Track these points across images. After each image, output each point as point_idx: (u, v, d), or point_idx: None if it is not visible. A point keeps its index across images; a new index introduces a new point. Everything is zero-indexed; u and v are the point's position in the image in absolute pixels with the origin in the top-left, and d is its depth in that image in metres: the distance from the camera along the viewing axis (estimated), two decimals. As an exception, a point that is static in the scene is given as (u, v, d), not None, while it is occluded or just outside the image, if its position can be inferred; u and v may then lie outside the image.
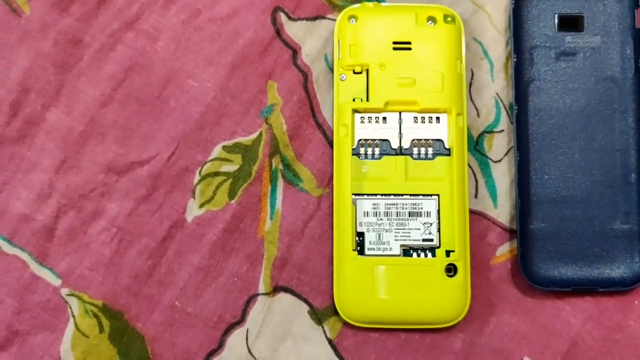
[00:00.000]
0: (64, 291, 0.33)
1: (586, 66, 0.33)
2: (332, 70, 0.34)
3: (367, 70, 0.33)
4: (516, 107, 0.32)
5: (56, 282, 0.33)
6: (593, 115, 0.32)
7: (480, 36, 0.34)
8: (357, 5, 0.33)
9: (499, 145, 0.33)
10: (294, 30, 0.34)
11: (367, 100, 0.32)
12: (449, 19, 0.33)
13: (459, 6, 0.34)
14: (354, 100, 0.33)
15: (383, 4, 0.33)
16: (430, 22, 0.33)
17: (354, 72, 0.33)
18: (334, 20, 0.34)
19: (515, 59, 0.33)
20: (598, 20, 0.33)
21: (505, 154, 0.33)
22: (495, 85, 0.34)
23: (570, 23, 0.33)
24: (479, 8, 0.34)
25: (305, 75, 0.34)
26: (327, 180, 0.33)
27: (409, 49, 0.33)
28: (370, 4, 0.33)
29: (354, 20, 0.33)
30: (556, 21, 0.33)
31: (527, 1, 0.33)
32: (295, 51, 0.34)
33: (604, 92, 0.32)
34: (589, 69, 0.33)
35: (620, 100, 0.32)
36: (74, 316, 0.33)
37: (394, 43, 0.33)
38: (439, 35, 0.32)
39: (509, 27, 0.33)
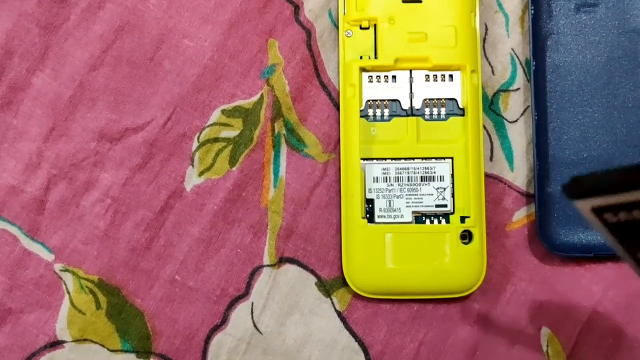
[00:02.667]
0: (58, 266, 0.32)
1: (608, 17, 0.32)
2: (337, 26, 0.33)
3: (375, 25, 0.32)
4: (534, 64, 0.31)
5: (49, 257, 0.32)
6: (616, 70, 0.31)
7: None
8: None
9: (515, 104, 0.32)
10: None
11: (376, 57, 0.32)
12: None
13: None
14: (361, 57, 0.32)
15: None
16: None
17: (361, 28, 0.32)
18: None
19: (532, 11, 0.32)
20: None
21: (522, 114, 0.32)
22: (511, 40, 0.33)
23: None
24: None
25: (308, 32, 0.34)
26: (333, 144, 0.33)
27: (420, 1, 0.32)
28: None
29: None
30: None
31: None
32: (297, 6, 0.34)
33: (628, 45, 0.31)
34: (612, 21, 0.32)
35: None
36: (69, 293, 0.32)
37: None
38: None
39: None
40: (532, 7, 0.32)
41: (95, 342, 0.32)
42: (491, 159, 0.33)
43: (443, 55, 0.32)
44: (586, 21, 0.32)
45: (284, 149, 0.33)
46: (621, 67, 0.31)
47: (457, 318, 0.32)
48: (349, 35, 0.32)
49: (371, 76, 0.32)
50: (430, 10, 0.32)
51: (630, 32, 0.31)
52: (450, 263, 0.31)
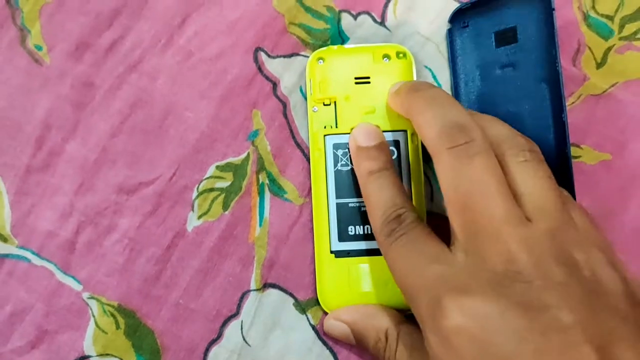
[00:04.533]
0: (85, 295, 0.35)
1: (523, 74, 0.34)
2: (306, 100, 0.36)
3: (335, 102, 0.35)
4: None
5: (78, 287, 0.35)
6: (535, 119, 0.33)
7: (430, 63, 0.37)
8: (324, 48, 0.36)
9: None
10: (273, 66, 0.37)
11: (337, 127, 0.35)
12: (401, 54, 0.36)
13: (411, 39, 0.37)
14: (325, 127, 0.35)
15: (345, 45, 0.36)
16: (385, 58, 0.35)
17: (324, 104, 0.35)
18: (307, 57, 0.36)
19: (455, 80, 0.36)
20: (528, 28, 0.34)
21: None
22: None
23: (505, 38, 0.35)
24: (427, 40, 0.37)
25: (284, 104, 0.37)
26: (307, 191, 0.36)
27: (369, 82, 0.35)
28: (335, 47, 0.36)
29: (321, 61, 0.36)
30: (493, 39, 0.35)
31: (460, 29, 0.36)
32: (275, 84, 0.37)
33: (541, 94, 0.33)
34: (526, 76, 0.34)
35: (553, 98, 0.33)
36: (94, 316, 0.35)
37: (356, 78, 0.35)
38: (393, 69, 0.36)
39: (447, 54, 0.37)
40: (455, 77, 0.36)
41: (116, 357, 0.35)
42: (432, 199, 0.36)
43: (388, 123, 0.35)
44: (505, 80, 0.35)
45: (267, 195, 0.36)
46: (537, 115, 0.33)
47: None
48: (315, 110, 0.36)
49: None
50: (377, 88, 0.35)
51: (541, 81, 0.33)
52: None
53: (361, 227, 0.35)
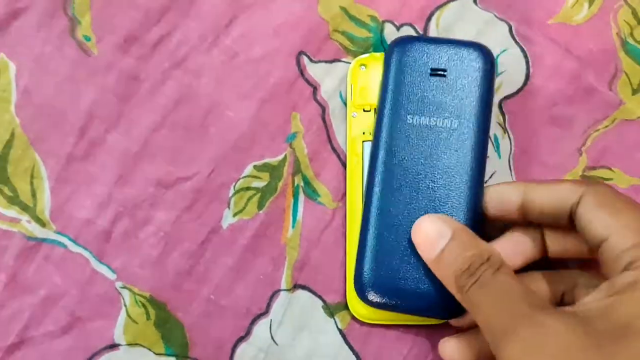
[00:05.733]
0: (118, 284, 0.36)
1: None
2: (345, 105, 0.37)
3: (375, 109, 0.36)
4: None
5: (112, 276, 0.36)
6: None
7: None
8: (366, 55, 0.37)
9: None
10: (314, 70, 0.37)
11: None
12: None
13: None
14: (363, 133, 0.36)
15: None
16: None
17: (364, 110, 0.36)
18: (348, 63, 0.37)
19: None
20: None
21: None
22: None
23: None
24: None
25: (323, 108, 0.37)
26: (340, 195, 0.37)
27: None
28: (377, 54, 0.37)
29: (364, 67, 0.37)
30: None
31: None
32: (315, 88, 0.37)
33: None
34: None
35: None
36: (125, 305, 0.36)
37: None
38: None
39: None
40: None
41: (144, 347, 0.35)
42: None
43: None
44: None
45: (301, 197, 0.37)
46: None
47: (436, 339, 0.34)
48: (354, 116, 0.36)
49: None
50: None
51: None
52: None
53: None
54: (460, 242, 0.31)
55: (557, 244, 0.33)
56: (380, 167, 0.34)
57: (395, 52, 0.35)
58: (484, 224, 0.33)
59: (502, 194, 0.33)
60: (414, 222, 0.32)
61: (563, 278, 0.33)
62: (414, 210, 0.33)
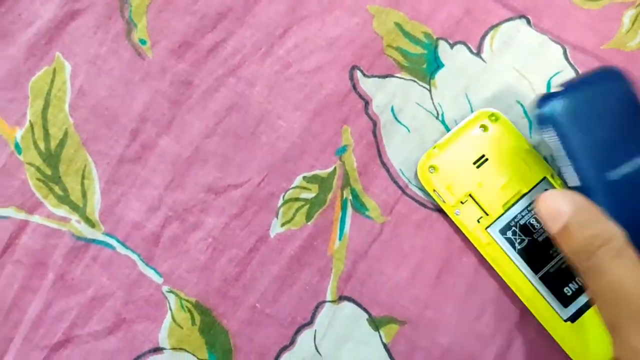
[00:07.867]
0: (165, 288, 0.36)
1: None
2: (397, 119, 0.37)
3: (470, 195, 0.36)
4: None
5: (159, 280, 0.36)
6: None
7: (523, 99, 0.38)
8: (423, 157, 0.36)
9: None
10: (367, 85, 0.38)
11: (487, 214, 0.35)
12: (493, 117, 0.36)
13: (506, 73, 0.37)
14: (478, 222, 0.35)
15: (439, 141, 0.36)
16: (481, 129, 0.36)
17: (462, 203, 0.36)
18: (402, 78, 0.37)
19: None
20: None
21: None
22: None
23: None
24: (522, 76, 0.38)
25: (374, 123, 0.37)
26: (389, 210, 0.37)
27: (487, 159, 0.36)
28: (434, 150, 0.36)
29: (432, 169, 0.36)
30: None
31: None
32: (367, 102, 0.37)
33: None
34: None
35: None
36: (171, 310, 0.36)
37: (474, 163, 0.36)
38: (498, 135, 0.36)
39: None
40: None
41: (188, 352, 0.36)
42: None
43: (528, 182, 0.35)
44: None
45: (349, 210, 0.37)
46: None
47: (479, 358, 0.35)
48: (458, 214, 0.36)
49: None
50: (497, 160, 0.35)
51: None
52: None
53: (573, 283, 0.35)
54: (579, 220, 0.30)
55: None
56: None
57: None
58: None
59: None
60: None
61: None
62: None
